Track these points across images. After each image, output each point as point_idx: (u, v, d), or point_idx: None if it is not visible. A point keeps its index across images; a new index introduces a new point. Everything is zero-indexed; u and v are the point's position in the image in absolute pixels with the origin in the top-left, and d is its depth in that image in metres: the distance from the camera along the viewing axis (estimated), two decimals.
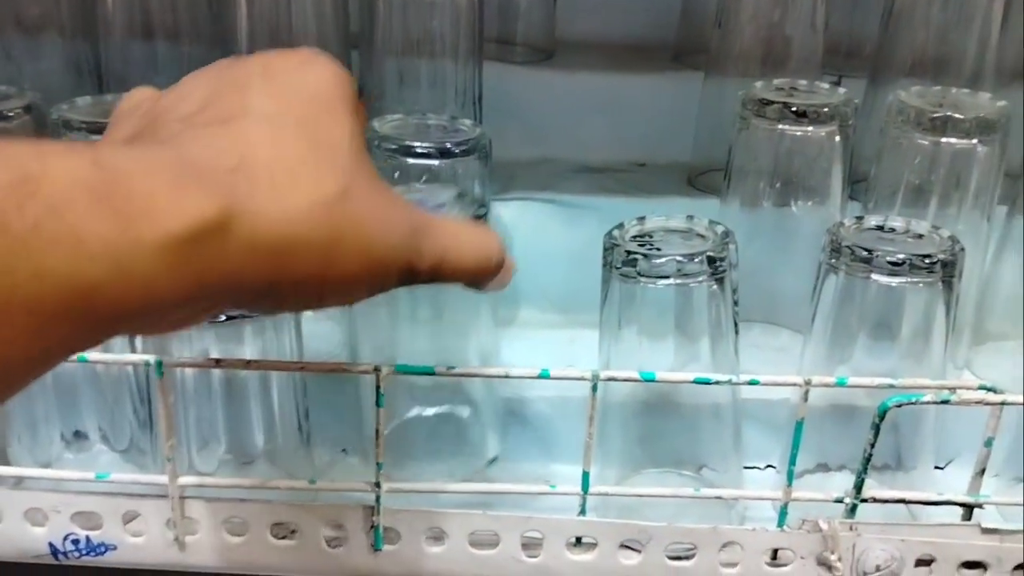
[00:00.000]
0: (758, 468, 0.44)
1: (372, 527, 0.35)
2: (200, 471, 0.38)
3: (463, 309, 0.42)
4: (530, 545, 0.35)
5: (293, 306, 0.24)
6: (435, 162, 0.41)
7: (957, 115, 0.41)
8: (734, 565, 0.35)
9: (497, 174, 0.47)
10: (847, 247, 0.36)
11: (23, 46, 0.51)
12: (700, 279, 0.36)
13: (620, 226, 0.38)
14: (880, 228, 0.39)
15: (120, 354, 0.38)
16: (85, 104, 0.43)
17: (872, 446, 0.34)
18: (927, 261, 0.36)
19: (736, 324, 0.39)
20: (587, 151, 0.57)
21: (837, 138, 0.43)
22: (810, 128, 0.43)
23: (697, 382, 0.34)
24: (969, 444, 0.36)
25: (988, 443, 0.35)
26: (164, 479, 0.35)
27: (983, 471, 0.35)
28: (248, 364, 0.34)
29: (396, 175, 0.41)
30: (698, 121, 0.55)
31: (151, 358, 0.34)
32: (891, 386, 0.34)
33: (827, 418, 0.41)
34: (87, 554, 0.36)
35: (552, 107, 0.58)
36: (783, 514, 0.35)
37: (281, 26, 0.49)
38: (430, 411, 0.43)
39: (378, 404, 0.33)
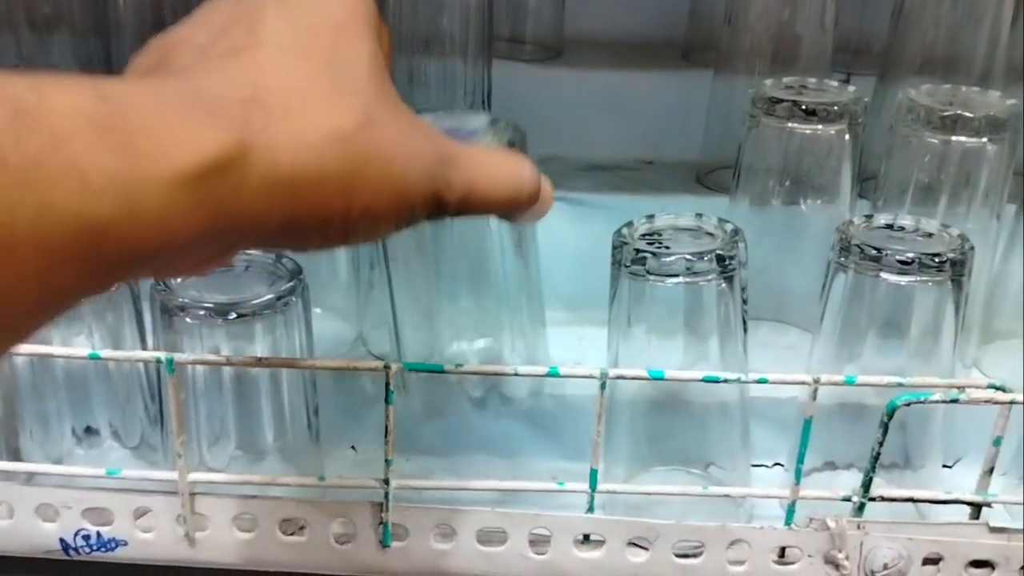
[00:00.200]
0: (766, 466, 0.44)
1: (381, 524, 0.35)
2: (210, 467, 0.38)
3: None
4: (538, 542, 0.36)
5: (317, 243, 0.22)
6: None
7: (967, 114, 0.41)
8: (742, 563, 0.35)
9: None
10: (856, 246, 0.36)
11: (34, 45, 0.52)
12: (709, 277, 0.36)
13: (629, 224, 0.38)
14: (889, 227, 0.39)
15: (131, 351, 0.38)
16: None
17: (880, 445, 0.34)
18: (936, 260, 0.36)
19: (745, 322, 0.39)
20: (596, 149, 0.57)
21: (847, 136, 0.43)
22: (819, 126, 0.42)
23: (706, 380, 0.34)
24: (978, 443, 0.36)
25: (997, 442, 0.35)
26: (174, 475, 0.35)
27: (991, 470, 0.35)
28: (259, 361, 0.35)
29: None
30: (707, 119, 0.55)
31: (162, 355, 0.34)
32: (900, 385, 0.34)
33: (835, 416, 0.41)
34: (98, 549, 0.36)
35: (561, 105, 0.58)
36: (791, 512, 0.35)
37: None
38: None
39: (388, 401, 0.33)
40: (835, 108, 0.42)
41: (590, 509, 0.35)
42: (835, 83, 0.46)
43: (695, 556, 0.35)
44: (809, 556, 0.35)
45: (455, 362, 0.35)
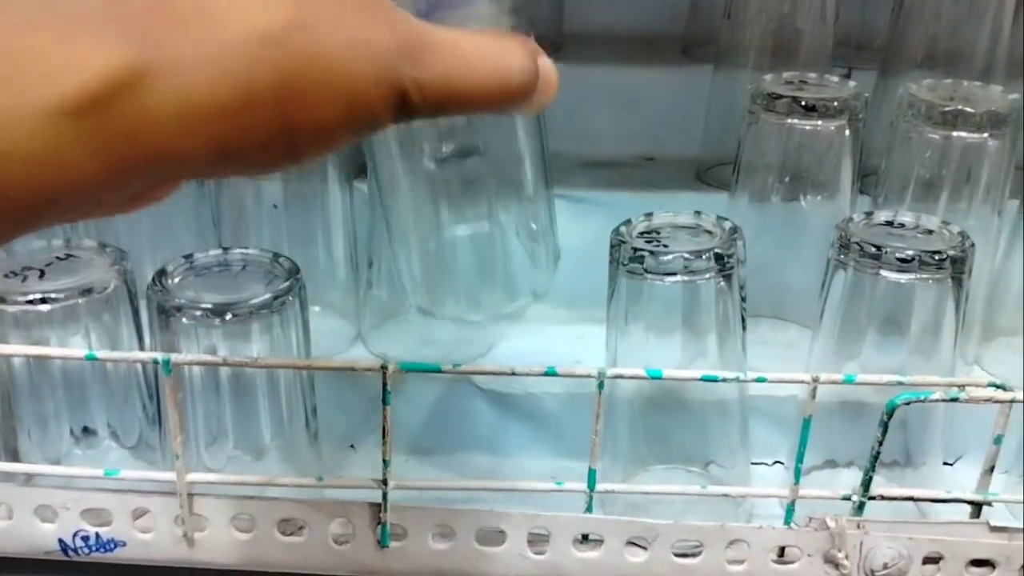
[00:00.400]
0: (766, 464, 0.44)
1: (379, 524, 0.35)
2: (208, 467, 0.38)
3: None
4: (536, 542, 0.35)
5: (262, 166, 0.19)
6: None
7: (968, 109, 0.41)
8: (741, 562, 0.35)
9: None
10: (856, 243, 0.36)
11: None
12: (707, 276, 0.36)
13: (627, 222, 0.38)
14: (889, 224, 0.38)
15: (129, 351, 0.38)
16: None
17: (880, 444, 0.34)
18: (936, 257, 0.35)
19: (744, 320, 0.39)
20: (595, 144, 0.57)
21: (847, 132, 0.43)
22: (819, 122, 0.42)
23: (705, 380, 0.34)
24: (979, 440, 0.36)
25: (997, 440, 0.34)
26: (173, 476, 0.35)
27: (992, 469, 0.35)
28: (256, 362, 0.35)
29: None
30: (707, 115, 0.54)
31: (159, 356, 0.34)
32: (900, 383, 0.34)
33: (835, 414, 0.40)
34: (97, 550, 0.36)
35: (560, 100, 0.57)
36: (790, 511, 0.35)
37: None
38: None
39: (385, 402, 0.33)
40: (835, 104, 0.42)
41: (588, 509, 0.35)
42: (835, 78, 0.45)
43: (694, 556, 0.35)
44: (809, 555, 0.35)
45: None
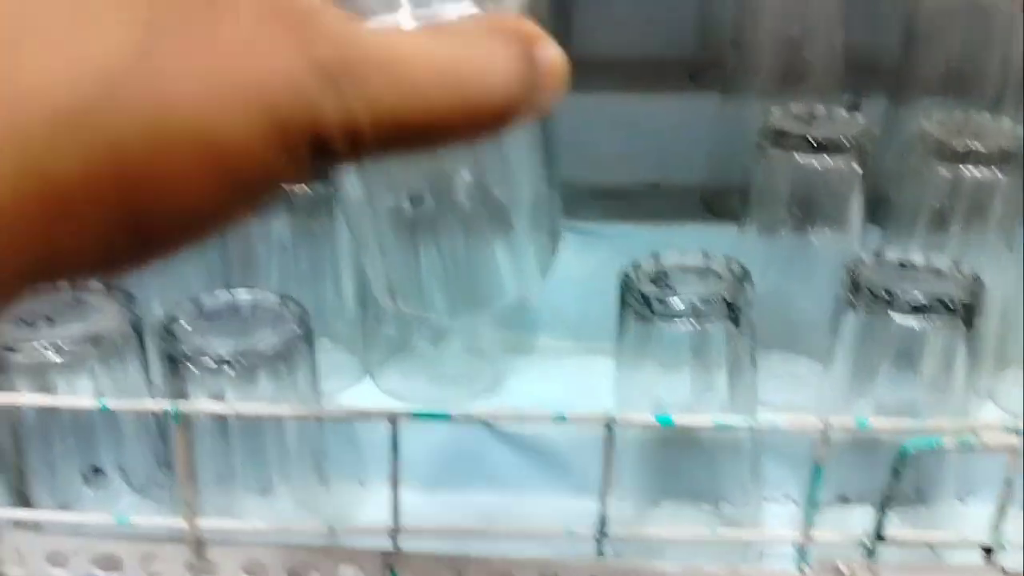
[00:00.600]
0: (778, 502, 0.44)
1: (390, 570, 0.35)
2: (219, 512, 0.38)
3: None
4: None
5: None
6: None
7: (978, 146, 0.40)
8: None
9: None
10: (867, 287, 0.36)
11: None
12: (716, 321, 0.35)
13: (635, 264, 0.38)
14: (901, 265, 0.38)
15: (139, 399, 0.38)
16: None
17: (892, 488, 0.34)
18: (949, 304, 0.35)
19: (754, 358, 0.39)
20: (600, 170, 0.57)
21: (856, 168, 0.43)
22: (829, 159, 0.42)
23: (717, 428, 0.34)
24: (992, 477, 0.35)
25: (1008, 483, 0.34)
26: (183, 523, 0.35)
27: (1003, 511, 0.35)
28: (264, 412, 0.34)
29: None
30: (714, 142, 0.54)
31: (169, 406, 0.34)
32: (912, 428, 0.34)
33: (847, 450, 0.40)
34: None
35: (565, 126, 0.57)
36: (802, 555, 0.35)
37: None
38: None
39: (395, 451, 0.33)
40: (845, 141, 0.42)
41: (599, 553, 0.35)
42: (844, 111, 0.45)
43: None
44: None
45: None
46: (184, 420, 0.34)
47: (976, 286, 0.36)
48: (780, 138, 0.42)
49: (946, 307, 0.35)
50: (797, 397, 0.44)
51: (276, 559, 0.36)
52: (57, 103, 0.12)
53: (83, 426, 0.40)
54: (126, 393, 0.38)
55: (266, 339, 0.36)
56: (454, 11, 0.20)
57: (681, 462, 0.41)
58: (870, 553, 0.35)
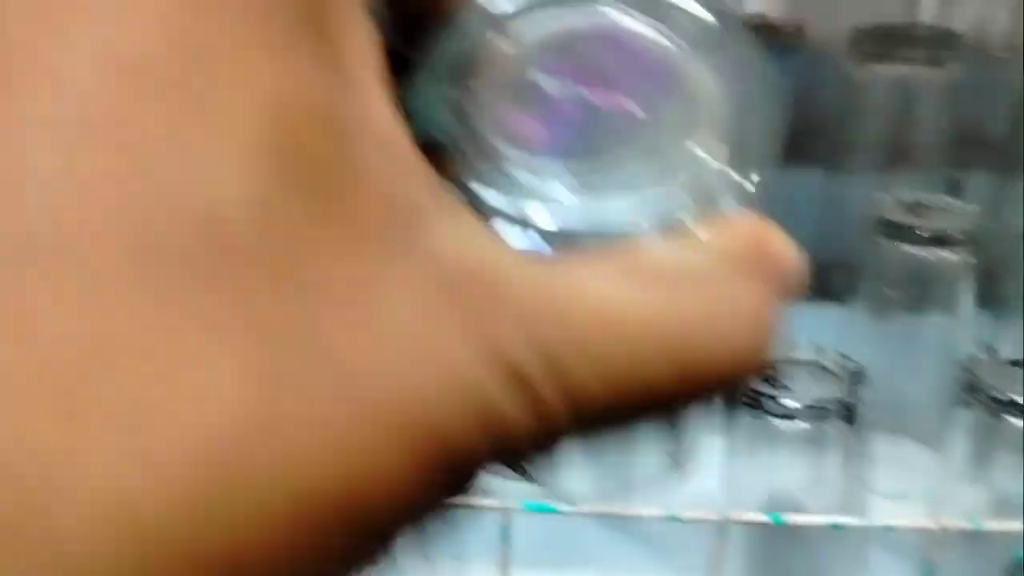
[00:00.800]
0: None
1: None
2: None
3: None
4: None
5: None
6: None
7: None
8: None
9: None
10: (983, 390, 0.36)
11: None
12: (830, 422, 0.36)
13: None
14: (1015, 363, 0.38)
15: None
16: None
17: None
18: None
19: (865, 452, 0.39)
20: None
21: (968, 259, 0.43)
22: (941, 252, 0.42)
23: (834, 529, 0.34)
24: None
25: None
26: None
27: None
28: None
29: None
30: (816, 220, 0.54)
31: None
32: None
33: (958, 540, 0.40)
34: None
35: None
36: None
37: None
38: None
39: (506, 542, 0.34)
40: (957, 235, 0.42)
41: None
42: (955, 201, 0.45)
43: None
44: None
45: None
46: None
47: None
48: (891, 229, 0.43)
49: None
50: (907, 484, 0.44)
51: None
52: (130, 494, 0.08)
53: None
54: None
55: None
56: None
57: (791, 552, 0.42)
58: None
